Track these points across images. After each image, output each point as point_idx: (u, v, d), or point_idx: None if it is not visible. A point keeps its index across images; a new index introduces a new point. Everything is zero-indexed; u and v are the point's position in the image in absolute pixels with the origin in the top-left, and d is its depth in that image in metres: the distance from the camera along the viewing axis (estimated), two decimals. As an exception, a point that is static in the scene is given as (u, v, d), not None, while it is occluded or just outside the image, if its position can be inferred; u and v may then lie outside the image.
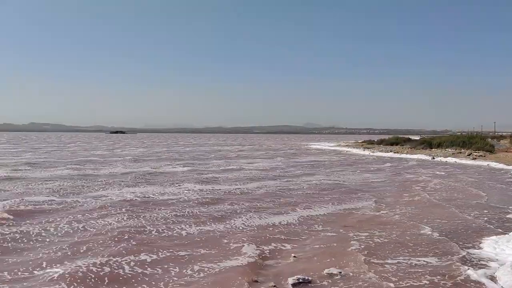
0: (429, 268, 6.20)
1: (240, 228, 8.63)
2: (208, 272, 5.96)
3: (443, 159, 29.86)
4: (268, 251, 7.04)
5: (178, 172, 19.96)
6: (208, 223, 8.94)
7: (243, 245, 7.16)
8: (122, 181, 15.95)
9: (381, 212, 10.54)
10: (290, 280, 5.56)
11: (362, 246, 7.23)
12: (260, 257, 6.65)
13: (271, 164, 25.59)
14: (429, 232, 8.22)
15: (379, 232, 8.32)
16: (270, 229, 8.59)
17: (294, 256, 6.72)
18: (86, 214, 9.49)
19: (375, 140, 59.24)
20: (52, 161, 25.94)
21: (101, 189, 13.73)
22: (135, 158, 29.78)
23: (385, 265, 6.31)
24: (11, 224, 8.48)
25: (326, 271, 5.96)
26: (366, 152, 41.27)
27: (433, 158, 30.81)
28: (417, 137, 58.95)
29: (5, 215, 9.05)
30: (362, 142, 63.63)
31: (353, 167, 23.94)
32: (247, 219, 9.42)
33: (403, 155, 35.49)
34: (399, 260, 6.56)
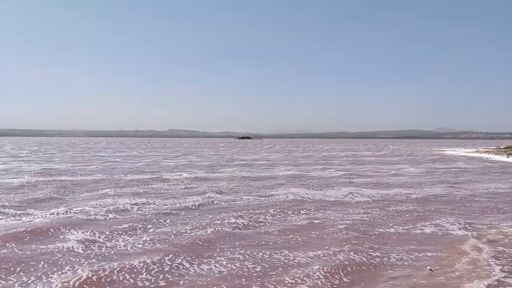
0: None
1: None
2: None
3: None
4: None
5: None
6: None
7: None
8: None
9: None
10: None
11: None
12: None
13: (416, 170, 27.49)
14: None
15: None
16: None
17: None
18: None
19: (521, 146, 55.12)
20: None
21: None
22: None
23: None
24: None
25: None
26: (511, 159, 39.69)
27: None
28: None
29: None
30: (505, 148, 59.55)
31: (505, 175, 24.32)
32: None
33: (558, 163, 33.68)
34: None
